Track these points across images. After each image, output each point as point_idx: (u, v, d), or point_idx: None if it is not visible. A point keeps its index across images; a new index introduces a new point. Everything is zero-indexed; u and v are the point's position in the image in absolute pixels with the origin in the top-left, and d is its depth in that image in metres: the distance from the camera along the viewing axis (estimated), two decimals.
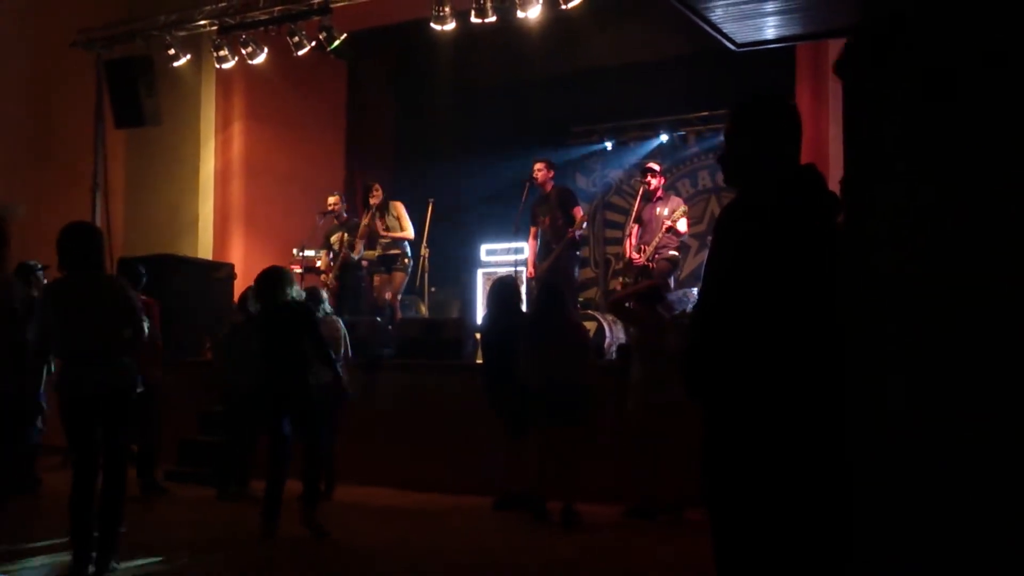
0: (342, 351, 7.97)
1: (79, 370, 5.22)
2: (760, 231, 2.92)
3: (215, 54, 10.96)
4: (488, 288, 8.51)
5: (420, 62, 12.67)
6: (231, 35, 10.88)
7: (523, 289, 9.05)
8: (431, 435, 8.65)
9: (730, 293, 2.94)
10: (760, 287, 2.88)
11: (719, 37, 6.56)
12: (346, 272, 10.74)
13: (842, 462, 2.79)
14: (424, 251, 10.87)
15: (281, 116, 12.64)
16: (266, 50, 10.83)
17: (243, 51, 10.80)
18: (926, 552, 2.71)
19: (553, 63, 12.05)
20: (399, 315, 10.36)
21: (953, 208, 2.75)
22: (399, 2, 10.91)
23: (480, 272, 12.69)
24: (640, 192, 10.01)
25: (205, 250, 12.06)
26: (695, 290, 10.31)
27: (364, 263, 10.94)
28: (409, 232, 10.56)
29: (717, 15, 6.09)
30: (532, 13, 9.44)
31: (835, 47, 8.91)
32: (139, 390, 5.45)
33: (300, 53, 10.64)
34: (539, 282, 9.44)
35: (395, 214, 10.54)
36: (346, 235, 10.77)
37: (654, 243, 9.49)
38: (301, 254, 10.86)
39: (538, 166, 9.99)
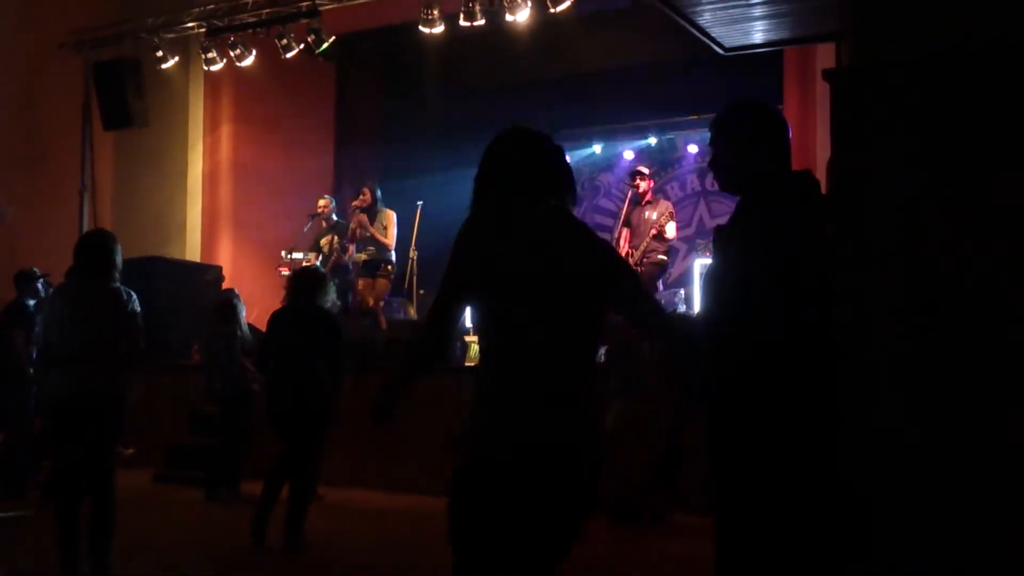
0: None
1: (66, 375, 5.20)
2: (755, 237, 2.94)
3: (203, 56, 10.95)
4: None
5: (408, 65, 12.68)
6: (219, 37, 10.88)
7: None
8: (418, 437, 8.64)
9: (729, 300, 2.95)
10: (759, 293, 2.89)
11: (707, 41, 6.59)
12: (336, 274, 10.72)
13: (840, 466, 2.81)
14: (412, 254, 10.87)
15: (269, 119, 12.62)
16: (254, 52, 10.83)
17: (231, 53, 10.79)
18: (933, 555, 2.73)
19: (542, 67, 12.07)
20: (383, 323, 10.31)
21: (949, 212, 2.77)
22: (387, 5, 10.91)
23: None
24: (629, 195, 10.02)
25: (193, 253, 12.04)
26: (682, 291, 10.34)
27: (353, 266, 10.94)
28: (388, 240, 10.45)
29: (705, 19, 6.12)
30: (521, 17, 9.46)
31: (823, 51, 8.96)
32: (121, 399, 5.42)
33: (289, 56, 10.65)
34: None
35: (384, 223, 10.46)
36: (335, 238, 10.76)
37: (642, 247, 9.50)
38: (289, 256, 10.84)
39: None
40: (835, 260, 2.87)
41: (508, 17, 9.51)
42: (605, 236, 12.42)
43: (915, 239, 2.76)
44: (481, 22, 9.68)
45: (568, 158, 3.24)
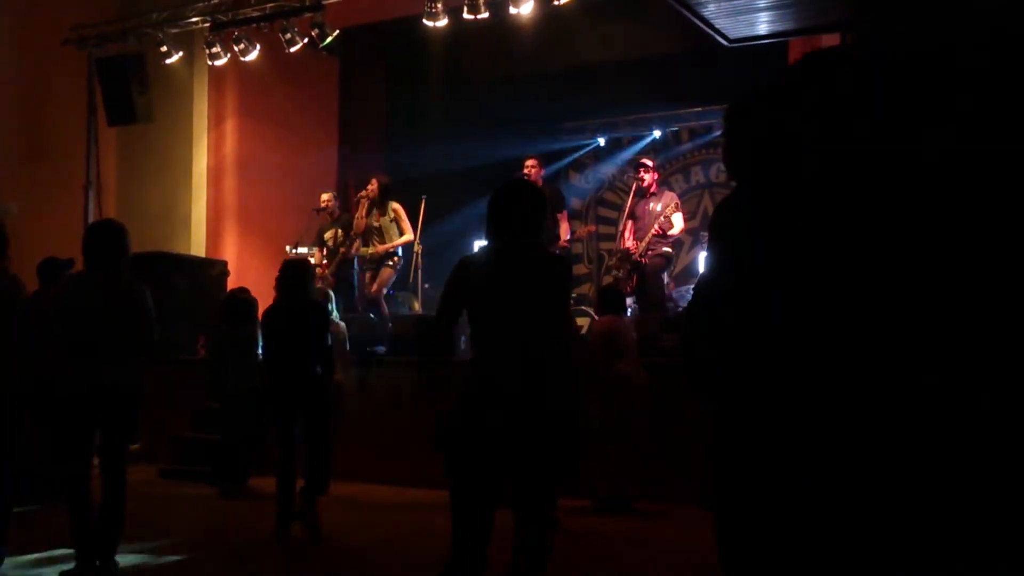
0: (346, 350, 8.03)
1: (79, 368, 5.20)
2: (755, 225, 2.92)
3: (207, 51, 10.95)
4: None
5: (412, 59, 12.67)
6: (223, 32, 10.88)
7: None
8: (423, 431, 8.64)
9: (728, 287, 2.94)
10: (760, 280, 2.88)
11: (712, 33, 6.59)
12: (342, 268, 10.74)
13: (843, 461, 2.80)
14: (417, 248, 10.87)
15: (273, 113, 12.63)
16: (258, 47, 10.83)
17: (235, 48, 10.80)
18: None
19: (545, 59, 12.05)
20: (385, 310, 10.33)
21: (950, 207, 2.76)
22: None
23: None
24: (633, 188, 10.00)
25: (198, 247, 12.05)
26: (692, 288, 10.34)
27: (360, 261, 10.95)
28: (409, 235, 10.45)
29: (710, 11, 6.12)
30: (524, 9, 9.44)
31: (827, 42, 8.93)
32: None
33: (292, 50, 10.65)
34: None
35: (392, 216, 10.45)
36: (339, 231, 10.77)
37: (647, 239, 9.49)
38: (294, 251, 10.85)
39: (530, 163, 9.97)
40: (838, 252, 2.85)
41: (512, 10, 9.50)
42: (609, 229, 12.48)
43: (916, 233, 2.75)
44: (485, 15, 9.67)
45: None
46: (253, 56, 10.85)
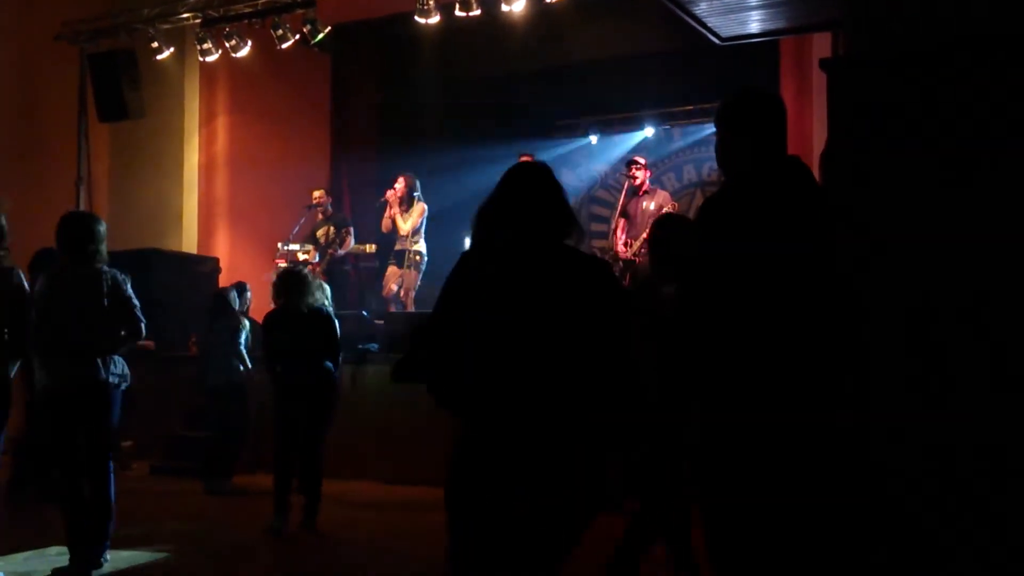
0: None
1: (61, 364, 5.16)
2: (746, 221, 2.93)
3: (199, 47, 10.93)
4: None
5: (404, 56, 12.65)
6: (215, 28, 10.85)
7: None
8: (417, 429, 8.65)
9: (716, 286, 2.94)
10: (747, 279, 2.89)
11: (704, 31, 6.60)
12: (333, 266, 10.74)
13: (840, 460, 2.80)
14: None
15: (265, 110, 12.60)
16: (250, 43, 10.81)
17: (227, 44, 10.77)
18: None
19: (538, 57, 12.03)
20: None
21: (945, 201, 2.77)
22: None
23: None
24: (625, 186, 10.00)
25: (190, 244, 12.02)
26: None
27: (351, 258, 10.95)
28: (403, 228, 10.44)
29: (702, 9, 6.12)
30: (516, 7, 9.45)
31: (819, 41, 8.96)
32: (125, 385, 5.39)
33: (284, 46, 10.64)
34: None
35: (412, 212, 10.47)
36: (331, 229, 10.75)
37: (641, 238, 9.48)
38: (286, 248, 10.84)
39: (523, 160, 9.96)
40: (832, 250, 2.86)
41: (504, 7, 9.50)
42: (601, 227, 12.48)
43: (911, 228, 2.77)
44: (477, 12, 9.67)
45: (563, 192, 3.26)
46: (245, 52, 10.83)
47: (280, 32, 10.50)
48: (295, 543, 6.25)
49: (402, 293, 10.41)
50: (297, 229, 11.07)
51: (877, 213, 2.85)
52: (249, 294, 9.01)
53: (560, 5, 9.59)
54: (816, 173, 3.16)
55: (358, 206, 13.12)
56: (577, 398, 2.86)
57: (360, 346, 9.28)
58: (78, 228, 5.31)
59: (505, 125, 12.45)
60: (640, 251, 9.50)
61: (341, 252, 10.72)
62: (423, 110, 13.31)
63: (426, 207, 10.53)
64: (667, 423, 3.78)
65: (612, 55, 11.94)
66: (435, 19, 9.91)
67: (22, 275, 5.43)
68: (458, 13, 9.71)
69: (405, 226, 10.37)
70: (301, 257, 10.82)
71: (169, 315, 10.08)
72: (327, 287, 8.57)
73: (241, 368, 8.20)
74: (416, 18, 9.94)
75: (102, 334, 5.21)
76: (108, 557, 5.40)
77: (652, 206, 9.53)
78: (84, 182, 11.64)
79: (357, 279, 11.52)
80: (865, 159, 2.89)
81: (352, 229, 10.88)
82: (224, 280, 10.72)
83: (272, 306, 7.06)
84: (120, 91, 11.03)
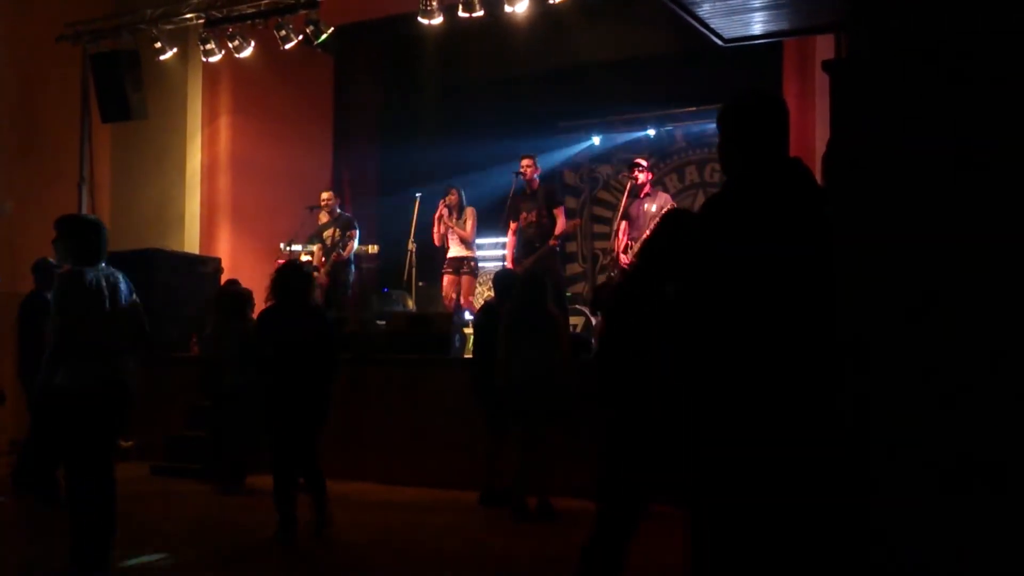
0: None
1: (90, 365, 5.17)
2: (747, 222, 2.93)
3: (202, 48, 10.93)
4: (493, 280, 8.53)
5: (407, 56, 12.66)
6: (218, 29, 10.85)
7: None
8: (417, 430, 8.66)
9: (715, 287, 2.94)
10: (747, 280, 2.88)
11: (707, 33, 6.59)
12: (337, 269, 10.75)
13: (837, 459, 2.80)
14: (411, 246, 10.87)
15: (268, 110, 12.61)
16: (253, 44, 10.81)
17: (230, 45, 10.77)
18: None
19: (541, 58, 12.05)
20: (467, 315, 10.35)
21: (948, 203, 2.76)
22: None
23: None
24: (627, 187, 10.00)
25: (192, 244, 12.03)
26: None
27: (356, 259, 10.96)
28: (466, 232, 10.47)
29: (705, 11, 6.11)
30: (520, 8, 9.44)
31: (822, 43, 8.95)
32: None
33: (287, 47, 10.64)
34: (523, 276, 9.41)
35: (465, 217, 10.51)
36: (337, 231, 10.76)
37: (642, 240, 9.48)
38: (288, 248, 10.85)
39: (525, 162, 9.97)
40: (832, 250, 2.86)
41: (507, 8, 9.49)
42: (603, 228, 12.50)
43: (912, 229, 2.76)
44: (480, 13, 9.67)
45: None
46: (247, 53, 10.83)
47: (283, 33, 10.50)
48: (296, 545, 6.24)
49: (462, 300, 10.47)
50: (300, 229, 11.07)
51: (878, 214, 2.84)
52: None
53: (563, 7, 9.58)
54: (818, 175, 3.16)
55: (360, 207, 13.14)
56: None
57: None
58: (99, 231, 5.34)
59: (508, 126, 12.45)
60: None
61: (345, 255, 10.74)
62: (426, 111, 13.33)
63: (474, 209, 10.59)
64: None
65: (615, 57, 11.95)
66: (438, 20, 9.90)
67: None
68: (461, 14, 9.71)
69: (467, 230, 10.42)
70: (304, 258, 10.84)
71: (171, 315, 10.10)
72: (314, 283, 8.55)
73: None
74: (419, 19, 9.94)
75: (123, 334, 5.26)
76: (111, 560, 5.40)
77: (653, 208, 9.54)
78: (86, 183, 11.65)
79: (360, 279, 11.52)
80: (867, 160, 2.88)
81: (357, 232, 10.87)
82: (225, 279, 10.71)
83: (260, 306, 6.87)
84: (123, 92, 11.03)
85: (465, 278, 10.51)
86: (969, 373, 2.71)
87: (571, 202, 12.85)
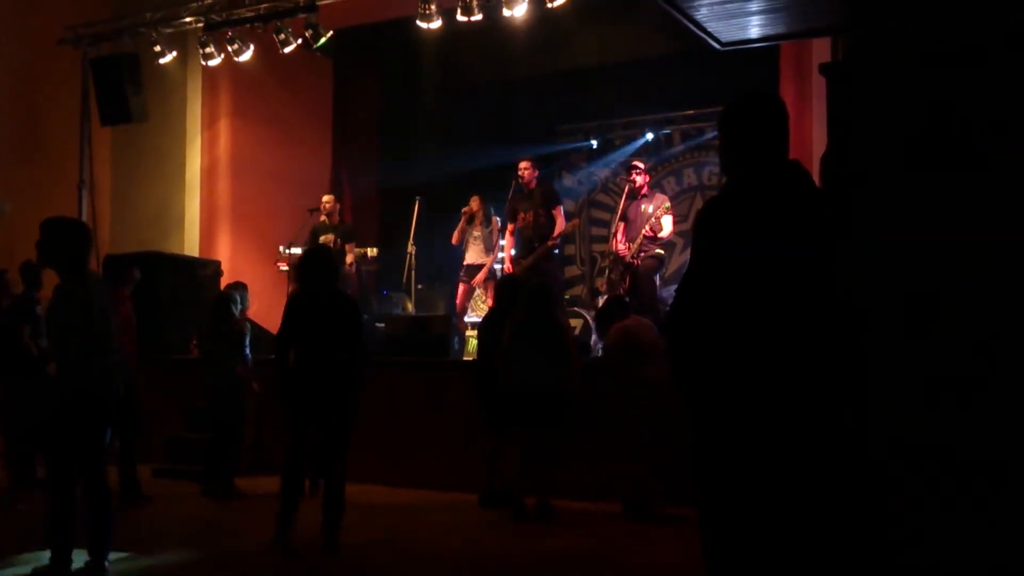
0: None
1: (103, 367, 5.23)
2: (746, 223, 2.95)
3: (201, 51, 10.96)
4: (497, 284, 8.56)
5: (406, 60, 12.68)
6: (217, 32, 10.89)
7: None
8: (417, 431, 8.68)
9: (715, 287, 2.97)
10: (746, 281, 2.91)
11: (704, 36, 6.62)
12: None
13: (838, 460, 2.82)
14: (411, 248, 10.90)
15: (267, 114, 12.64)
16: (252, 47, 10.84)
17: (229, 48, 10.80)
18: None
19: (539, 62, 12.08)
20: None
21: (945, 206, 2.78)
22: (385, 0, 10.95)
23: None
24: (625, 190, 10.04)
25: (192, 247, 12.05)
26: None
27: (351, 267, 10.99)
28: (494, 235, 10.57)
29: (702, 14, 6.14)
30: (518, 12, 9.47)
31: (819, 46, 8.99)
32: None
33: (286, 51, 10.66)
34: (528, 283, 9.43)
35: (490, 227, 10.55)
36: (338, 240, 10.78)
37: (639, 241, 9.52)
38: (288, 251, 10.87)
39: (523, 165, 10.00)
40: (832, 253, 2.88)
41: (505, 12, 9.53)
42: (601, 231, 12.53)
43: (912, 230, 2.78)
44: (478, 17, 9.69)
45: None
46: (247, 57, 10.86)
47: (282, 36, 10.53)
48: (296, 548, 6.23)
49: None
50: (299, 232, 11.09)
51: (876, 216, 2.87)
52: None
53: (561, 10, 9.61)
54: (816, 177, 3.19)
55: (359, 210, 13.18)
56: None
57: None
58: (82, 234, 5.42)
59: (507, 130, 12.49)
60: (639, 252, 9.53)
61: (347, 267, 10.70)
62: (425, 115, 13.35)
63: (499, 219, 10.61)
64: None
65: (613, 60, 11.99)
66: (437, 24, 9.93)
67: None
68: (460, 18, 9.74)
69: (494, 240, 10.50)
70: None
71: (171, 318, 10.12)
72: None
73: (242, 371, 8.17)
74: (418, 23, 9.96)
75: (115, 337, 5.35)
76: (111, 558, 5.42)
77: (650, 209, 9.57)
78: (86, 185, 11.68)
79: (359, 282, 11.54)
80: (864, 163, 2.91)
81: (355, 245, 10.86)
82: (226, 283, 10.73)
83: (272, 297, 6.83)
84: (123, 95, 11.07)
85: (490, 283, 10.46)
86: (969, 373, 2.74)
87: (569, 204, 12.89)
